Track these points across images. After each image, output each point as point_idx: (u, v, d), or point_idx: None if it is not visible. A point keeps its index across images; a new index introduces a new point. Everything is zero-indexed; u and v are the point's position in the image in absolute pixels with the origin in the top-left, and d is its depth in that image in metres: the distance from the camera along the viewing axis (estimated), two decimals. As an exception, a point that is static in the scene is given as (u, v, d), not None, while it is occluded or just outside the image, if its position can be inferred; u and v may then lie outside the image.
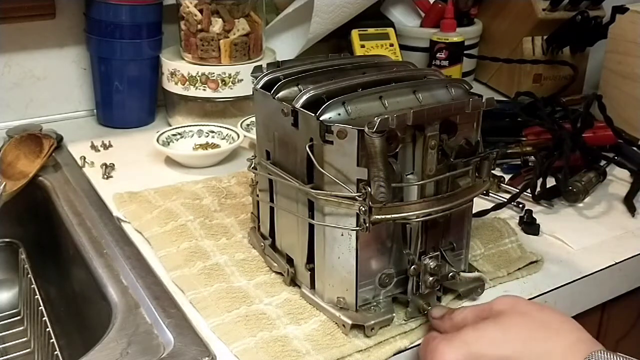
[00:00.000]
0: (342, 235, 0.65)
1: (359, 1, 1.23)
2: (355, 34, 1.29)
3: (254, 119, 1.01)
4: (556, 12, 1.28)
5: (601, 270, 0.81)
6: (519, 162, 1.02)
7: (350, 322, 0.66)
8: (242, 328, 0.67)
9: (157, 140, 1.03)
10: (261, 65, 0.77)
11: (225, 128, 1.09)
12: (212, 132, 1.09)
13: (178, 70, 1.11)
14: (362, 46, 1.28)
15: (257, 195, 0.79)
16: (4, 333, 0.98)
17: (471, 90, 0.71)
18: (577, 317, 0.80)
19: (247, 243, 0.82)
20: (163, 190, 0.94)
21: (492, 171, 0.71)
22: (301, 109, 0.65)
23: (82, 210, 0.90)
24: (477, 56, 1.40)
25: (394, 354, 0.66)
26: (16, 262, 1.02)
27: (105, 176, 0.99)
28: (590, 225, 0.89)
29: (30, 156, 1.00)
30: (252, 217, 0.83)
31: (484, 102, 0.66)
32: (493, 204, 0.90)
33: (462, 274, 0.72)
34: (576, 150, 0.99)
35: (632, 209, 0.92)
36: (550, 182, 0.97)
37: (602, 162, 1.01)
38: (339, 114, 0.63)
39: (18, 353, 0.95)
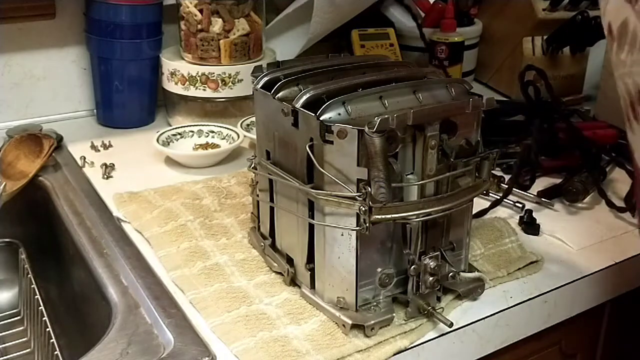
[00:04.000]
0: (342, 235, 0.65)
1: (359, 1, 1.23)
2: (355, 34, 1.29)
3: (254, 119, 1.01)
4: (556, 12, 1.28)
5: (601, 270, 0.81)
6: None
7: (350, 322, 0.66)
8: (242, 328, 0.67)
9: (157, 140, 1.03)
10: (261, 65, 0.77)
11: (225, 128, 1.09)
12: (212, 132, 1.09)
13: (178, 70, 1.11)
14: (362, 46, 1.28)
15: (257, 195, 0.79)
16: (4, 333, 0.98)
17: (471, 90, 0.71)
18: (577, 317, 0.81)
19: (247, 243, 0.82)
20: (163, 190, 0.94)
21: (492, 171, 0.71)
22: (301, 109, 0.65)
23: (82, 210, 0.90)
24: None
25: (394, 354, 0.66)
26: (16, 262, 1.02)
27: (105, 176, 0.99)
28: (590, 225, 0.89)
29: (30, 156, 1.00)
30: (252, 217, 0.83)
31: (484, 102, 0.66)
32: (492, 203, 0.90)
33: (462, 274, 0.72)
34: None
35: (632, 209, 0.92)
36: (551, 182, 0.97)
37: (602, 162, 1.01)
38: (339, 114, 0.63)
39: (18, 353, 0.95)
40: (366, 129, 0.59)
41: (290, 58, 1.10)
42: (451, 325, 0.67)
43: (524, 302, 0.75)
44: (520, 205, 0.92)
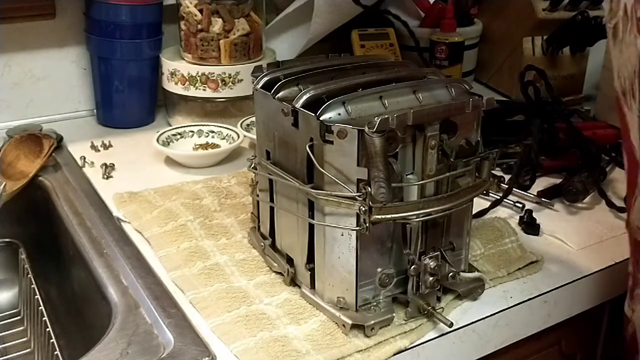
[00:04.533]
0: (342, 235, 0.65)
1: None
2: (355, 34, 1.29)
3: (254, 119, 1.01)
4: (556, 12, 1.28)
5: (601, 270, 0.81)
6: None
7: (350, 322, 0.66)
8: (242, 328, 0.67)
9: (157, 140, 1.03)
10: (261, 65, 0.77)
11: (225, 128, 1.09)
12: (212, 132, 1.09)
13: (178, 70, 1.11)
14: (362, 46, 1.28)
15: (257, 195, 0.79)
16: (4, 333, 0.98)
17: (471, 90, 0.71)
18: (577, 317, 0.81)
19: (247, 243, 0.82)
20: (163, 190, 0.94)
21: (492, 171, 0.71)
22: (301, 109, 0.65)
23: (82, 210, 0.90)
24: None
25: (394, 354, 0.66)
26: (16, 262, 1.02)
27: (105, 176, 0.99)
28: (590, 225, 0.89)
29: (30, 156, 1.00)
30: (252, 217, 0.83)
31: (484, 102, 0.66)
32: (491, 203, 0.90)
33: (462, 274, 0.72)
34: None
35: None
36: (551, 182, 0.97)
37: (602, 162, 1.01)
38: (339, 114, 0.63)
39: (18, 353, 0.95)
40: (366, 129, 0.59)
41: (290, 58, 1.10)
42: (451, 325, 0.67)
43: (524, 302, 0.75)
44: (520, 205, 0.92)
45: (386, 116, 0.59)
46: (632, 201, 0.71)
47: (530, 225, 0.87)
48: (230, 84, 1.11)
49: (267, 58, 1.16)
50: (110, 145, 1.10)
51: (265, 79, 0.73)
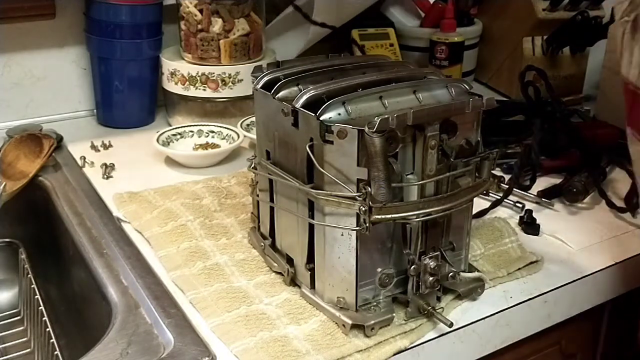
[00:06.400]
0: (342, 235, 0.65)
1: (359, 1, 1.23)
2: (355, 34, 1.29)
3: (254, 119, 1.01)
4: (556, 12, 1.28)
5: (601, 270, 0.81)
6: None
7: (350, 322, 0.66)
8: (242, 328, 0.67)
9: (157, 140, 1.03)
10: (261, 65, 0.77)
11: (225, 128, 1.09)
12: (212, 132, 1.09)
13: (178, 70, 1.11)
14: (362, 46, 1.28)
15: (257, 195, 0.79)
16: (4, 333, 0.98)
17: (471, 90, 0.71)
18: (577, 317, 0.81)
19: (247, 243, 0.82)
20: (163, 190, 0.94)
21: (492, 171, 0.71)
22: (301, 109, 0.65)
23: (82, 210, 0.90)
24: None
25: (394, 354, 0.66)
26: (16, 262, 1.02)
27: (105, 176, 0.99)
28: (590, 225, 0.89)
29: (30, 156, 1.00)
30: (252, 217, 0.83)
31: (484, 102, 0.66)
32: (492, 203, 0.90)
33: (462, 274, 0.72)
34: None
35: (632, 209, 0.92)
36: (551, 182, 0.97)
37: (602, 162, 1.01)
38: (339, 114, 0.63)
39: (18, 353, 0.95)
40: (366, 129, 0.59)
41: (290, 58, 1.10)
42: (451, 325, 0.67)
43: (524, 302, 0.75)
44: (520, 205, 0.92)
45: (386, 116, 0.59)
46: None
47: (530, 225, 0.87)
48: (230, 84, 1.11)
49: (267, 58, 1.16)
50: (110, 145, 1.10)
51: (265, 79, 0.73)
